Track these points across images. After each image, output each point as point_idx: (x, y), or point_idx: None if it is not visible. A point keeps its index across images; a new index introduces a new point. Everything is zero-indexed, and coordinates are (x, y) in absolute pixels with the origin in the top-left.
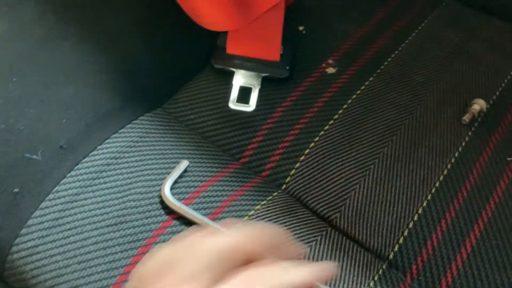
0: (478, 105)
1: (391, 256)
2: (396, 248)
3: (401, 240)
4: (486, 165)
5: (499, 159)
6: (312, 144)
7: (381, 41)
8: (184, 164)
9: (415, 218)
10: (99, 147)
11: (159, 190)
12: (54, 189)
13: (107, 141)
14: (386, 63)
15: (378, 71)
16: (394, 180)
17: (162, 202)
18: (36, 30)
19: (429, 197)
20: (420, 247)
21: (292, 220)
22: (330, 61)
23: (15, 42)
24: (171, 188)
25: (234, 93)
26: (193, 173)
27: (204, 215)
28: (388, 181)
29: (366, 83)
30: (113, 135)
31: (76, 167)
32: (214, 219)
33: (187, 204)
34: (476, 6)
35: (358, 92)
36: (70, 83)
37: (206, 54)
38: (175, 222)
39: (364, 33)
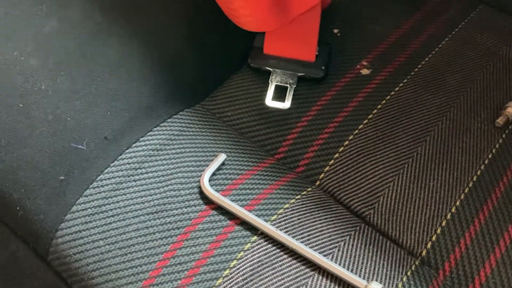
0: None
1: (423, 253)
2: (429, 245)
3: (434, 238)
4: None
5: None
6: (347, 142)
7: (415, 44)
8: (222, 157)
9: (448, 216)
10: (141, 139)
11: (198, 181)
12: (98, 178)
13: (149, 133)
14: (419, 66)
15: (412, 73)
16: (427, 179)
17: (201, 192)
18: (84, 27)
19: (462, 197)
20: (453, 245)
21: (326, 215)
22: (365, 63)
23: (64, 38)
24: (210, 180)
25: (271, 91)
26: (230, 166)
27: (240, 206)
28: (421, 180)
29: (400, 84)
30: (155, 128)
31: (120, 157)
32: (250, 211)
33: (224, 195)
34: (510, 12)
35: (392, 93)
36: (115, 77)
37: (244, 54)
38: (213, 212)
39: (398, 36)
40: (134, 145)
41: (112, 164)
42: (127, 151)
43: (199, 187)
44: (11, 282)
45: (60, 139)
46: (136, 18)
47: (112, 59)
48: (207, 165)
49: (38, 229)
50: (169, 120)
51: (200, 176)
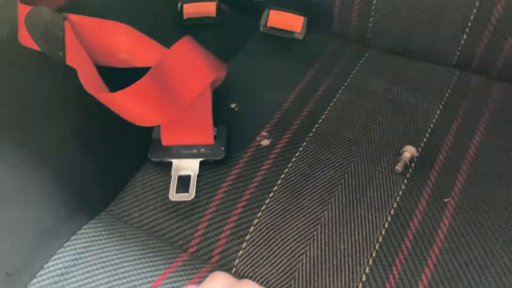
0: (409, 152)
1: None
2: None
3: None
4: (425, 210)
5: (436, 202)
6: (256, 221)
7: (311, 104)
8: None
9: (363, 278)
10: (45, 265)
11: None
12: None
13: (53, 257)
14: (317, 125)
15: (310, 134)
16: (338, 244)
17: None
18: None
19: (374, 255)
20: None
21: None
22: (264, 133)
23: None
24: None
25: (173, 185)
26: (141, 275)
27: None
28: (332, 246)
29: (300, 148)
30: (59, 250)
31: (28, 286)
32: None
33: None
34: (398, 52)
35: (293, 159)
36: (12, 207)
37: (144, 149)
38: None
39: (294, 99)
40: (38, 274)
41: None
42: (31, 282)
43: None
44: None
45: None
46: (27, 140)
47: (6, 186)
48: (118, 283)
49: None
50: (72, 238)
51: None
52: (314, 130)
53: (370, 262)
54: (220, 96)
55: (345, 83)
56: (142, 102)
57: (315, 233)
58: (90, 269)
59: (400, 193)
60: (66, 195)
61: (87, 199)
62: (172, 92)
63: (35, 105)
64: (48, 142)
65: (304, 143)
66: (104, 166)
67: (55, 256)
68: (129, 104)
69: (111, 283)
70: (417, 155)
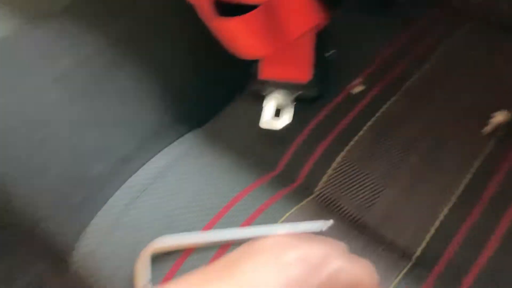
0: (501, 116)
1: (418, 253)
2: (423, 246)
3: (427, 238)
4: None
5: None
6: (340, 159)
7: (405, 62)
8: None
9: (441, 217)
10: (148, 161)
11: (198, 200)
12: (114, 195)
13: (156, 156)
14: (409, 82)
15: (403, 88)
16: (419, 185)
17: None
18: (97, 63)
19: (453, 199)
20: (445, 246)
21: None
22: (357, 82)
23: (79, 73)
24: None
25: (268, 113)
26: (233, 181)
27: (241, 220)
28: (413, 187)
29: (390, 101)
30: (162, 151)
31: (135, 174)
32: (250, 223)
33: (230, 206)
34: (497, 24)
35: (382, 109)
36: (126, 107)
37: (243, 80)
38: (216, 225)
39: (389, 55)
40: (141, 168)
41: (127, 181)
42: (135, 174)
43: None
44: None
45: (79, 164)
46: (144, 52)
47: (123, 90)
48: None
49: (60, 244)
50: (174, 143)
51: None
52: (406, 84)
53: (450, 205)
54: (319, 42)
55: (443, 46)
56: (249, 33)
57: (397, 175)
58: (187, 171)
59: (487, 151)
60: (173, 105)
61: (190, 113)
62: (278, 29)
63: (154, 21)
64: (162, 58)
65: (395, 97)
66: (207, 88)
67: (158, 155)
68: (237, 33)
69: (203, 186)
70: (509, 120)
